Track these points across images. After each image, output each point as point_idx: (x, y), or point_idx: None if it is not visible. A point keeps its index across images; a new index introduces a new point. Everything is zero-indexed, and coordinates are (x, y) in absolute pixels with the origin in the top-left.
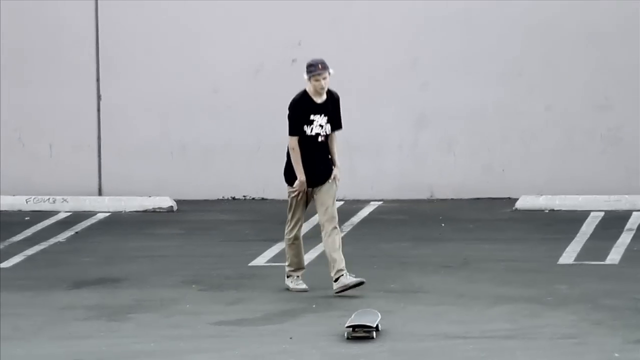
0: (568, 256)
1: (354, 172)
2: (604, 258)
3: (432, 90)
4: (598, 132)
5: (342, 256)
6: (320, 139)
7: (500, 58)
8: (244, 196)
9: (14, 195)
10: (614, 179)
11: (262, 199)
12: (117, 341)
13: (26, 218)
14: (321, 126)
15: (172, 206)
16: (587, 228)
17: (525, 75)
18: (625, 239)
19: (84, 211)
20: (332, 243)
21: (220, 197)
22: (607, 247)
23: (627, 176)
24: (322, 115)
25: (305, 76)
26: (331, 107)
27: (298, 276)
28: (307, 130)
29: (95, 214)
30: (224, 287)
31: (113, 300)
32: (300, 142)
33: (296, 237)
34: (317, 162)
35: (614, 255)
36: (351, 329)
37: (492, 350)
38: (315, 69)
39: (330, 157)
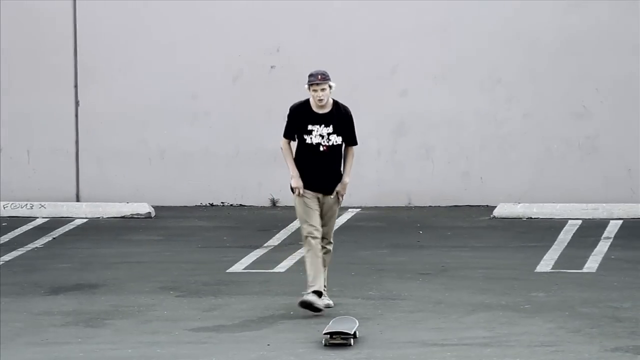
0: (546, 264)
1: None
2: (581, 266)
3: (411, 97)
4: (576, 140)
5: (322, 278)
6: (322, 148)
7: (479, 66)
8: (222, 202)
9: None
10: (592, 187)
11: (240, 205)
12: (94, 347)
13: (3, 224)
14: (322, 136)
15: (150, 212)
16: (565, 236)
17: (503, 83)
18: (602, 247)
19: (62, 217)
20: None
21: (199, 204)
22: (584, 255)
23: (605, 184)
24: (323, 125)
25: (306, 86)
26: (338, 121)
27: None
28: (307, 138)
29: (73, 220)
30: (201, 293)
31: (90, 306)
32: (301, 149)
33: (308, 243)
34: (320, 169)
35: (592, 264)
36: (329, 335)
37: (469, 358)
38: (314, 79)
39: (338, 168)
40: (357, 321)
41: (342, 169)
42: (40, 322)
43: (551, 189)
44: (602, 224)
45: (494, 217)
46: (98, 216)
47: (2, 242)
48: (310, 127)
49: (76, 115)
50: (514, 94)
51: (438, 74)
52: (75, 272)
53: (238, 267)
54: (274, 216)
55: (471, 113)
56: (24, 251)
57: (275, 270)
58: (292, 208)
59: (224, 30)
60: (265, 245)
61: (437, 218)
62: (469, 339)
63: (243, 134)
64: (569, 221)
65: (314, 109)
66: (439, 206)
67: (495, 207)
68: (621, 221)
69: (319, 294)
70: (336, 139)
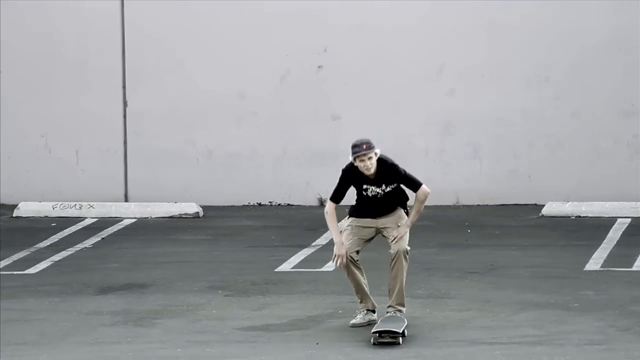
0: (595, 262)
1: None
2: (630, 264)
3: (458, 96)
4: (625, 138)
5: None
6: (379, 196)
7: (527, 64)
8: (269, 202)
9: (40, 202)
10: None
11: (288, 204)
12: (143, 347)
13: (53, 224)
14: (378, 193)
15: (198, 212)
16: (614, 234)
17: (551, 82)
18: None
19: (110, 217)
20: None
21: (246, 203)
22: (634, 254)
23: None
24: (376, 186)
25: (350, 157)
26: (388, 179)
27: (361, 310)
28: (364, 193)
29: (122, 220)
30: (250, 292)
31: (139, 305)
32: (360, 199)
33: (351, 261)
34: (379, 205)
35: None
36: (377, 334)
37: (518, 356)
38: (359, 149)
39: (395, 204)
40: (405, 320)
41: (403, 209)
42: (90, 322)
43: (600, 187)
44: None
45: (542, 215)
46: (146, 216)
47: (51, 242)
48: (365, 186)
49: (124, 116)
50: (561, 93)
51: (485, 72)
52: (124, 272)
53: (286, 266)
54: (321, 215)
55: (519, 112)
56: (73, 251)
57: (323, 269)
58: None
59: (272, 30)
60: (313, 244)
61: (485, 217)
62: (518, 337)
63: (290, 133)
64: (618, 219)
65: (364, 172)
66: (487, 205)
67: (544, 205)
68: None
69: (372, 311)
70: (391, 188)
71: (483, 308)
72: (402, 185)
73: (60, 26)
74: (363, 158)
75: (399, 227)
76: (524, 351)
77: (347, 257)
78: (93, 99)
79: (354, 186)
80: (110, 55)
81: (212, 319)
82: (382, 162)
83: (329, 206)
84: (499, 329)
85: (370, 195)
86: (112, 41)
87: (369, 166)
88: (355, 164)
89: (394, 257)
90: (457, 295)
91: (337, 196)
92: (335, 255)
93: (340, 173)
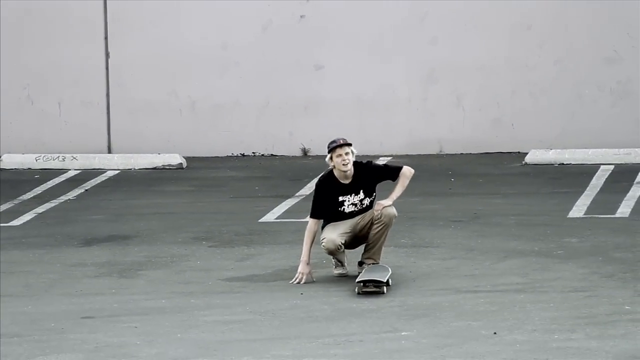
0: (578, 210)
1: (364, 128)
2: (614, 211)
3: (441, 45)
4: (608, 85)
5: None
6: (357, 211)
7: (510, 12)
8: (253, 153)
9: (23, 154)
10: (624, 132)
11: (272, 155)
12: (128, 298)
13: (36, 176)
14: (354, 204)
15: (181, 163)
16: (597, 181)
17: (534, 29)
18: (635, 192)
19: (94, 169)
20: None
21: (230, 154)
22: (617, 201)
23: (637, 129)
24: (353, 194)
25: (327, 157)
26: (365, 182)
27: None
28: (340, 209)
29: (105, 171)
30: (234, 243)
31: (123, 257)
32: (337, 218)
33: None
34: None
35: (624, 209)
36: (362, 284)
37: (502, 304)
38: (336, 143)
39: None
40: (390, 269)
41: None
42: (74, 274)
43: (583, 134)
44: (634, 168)
45: (526, 163)
46: (130, 167)
47: (35, 194)
48: (340, 198)
49: (107, 67)
50: (544, 40)
51: (468, 21)
52: (108, 224)
53: (270, 216)
54: (305, 165)
55: (502, 60)
56: (57, 203)
57: (307, 219)
58: (322, 157)
59: None
60: (296, 194)
61: (469, 165)
62: (502, 285)
63: (273, 84)
64: (601, 166)
65: (340, 179)
66: (470, 153)
67: (527, 153)
68: None
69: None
70: (369, 202)
71: (467, 256)
72: (370, 199)
73: None
74: (341, 152)
75: (382, 203)
76: (508, 299)
77: (307, 276)
78: (75, 50)
79: (330, 203)
80: (92, 5)
81: (196, 270)
82: (357, 163)
83: (310, 223)
84: (483, 277)
85: (347, 211)
86: None
87: (347, 161)
88: (332, 163)
89: (381, 220)
90: (441, 244)
91: (316, 211)
92: (298, 273)
93: (315, 189)
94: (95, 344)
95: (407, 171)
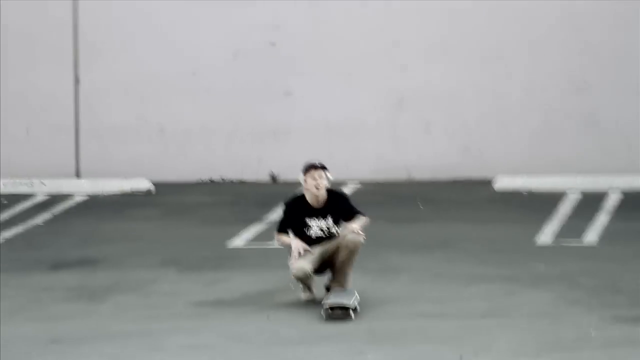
0: (546, 236)
1: (332, 154)
2: (581, 238)
3: (411, 72)
4: (575, 114)
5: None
6: (324, 237)
7: (479, 40)
8: (222, 178)
9: None
10: (591, 160)
11: (241, 181)
12: (95, 322)
13: (4, 201)
14: (322, 230)
15: (150, 188)
16: (565, 208)
17: (504, 58)
18: (602, 219)
19: (62, 193)
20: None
21: (199, 180)
22: (584, 227)
23: (604, 157)
24: (322, 219)
25: (301, 177)
26: (335, 209)
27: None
28: (307, 232)
29: (73, 196)
30: (202, 268)
31: (92, 281)
32: (301, 239)
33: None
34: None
35: (591, 235)
36: (329, 308)
37: (469, 329)
38: (312, 165)
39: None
40: (357, 294)
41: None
42: (42, 298)
43: (551, 161)
44: (601, 196)
45: (494, 190)
46: (98, 192)
47: (2, 219)
48: (308, 220)
49: (76, 92)
50: (514, 68)
51: (438, 49)
52: (76, 248)
53: (238, 241)
54: (273, 191)
55: (471, 87)
56: (25, 228)
57: (275, 244)
58: (291, 184)
59: (224, 7)
60: (265, 220)
61: (437, 192)
62: (468, 309)
63: (243, 110)
64: (569, 193)
65: (311, 203)
66: (438, 180)
67: (495, 180)
68: (621, 193)
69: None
70: (336, 230)
71: (434, 281)
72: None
73: (10, 2)
74: (315, 175)
75: (351, 227)
76: (474, 323)
77: (303, 248)
78: (44, 75)
79: (296, 224)
80: (62, 31)
81: (164, 295)
82: (332, 191)
83: (276, 236)
84: (450, 302)
85: (313, 236)
86: (63, 18)
87: (319, 185)
88: (306, 185)
89: (348, 247)
90: (408, 269)
91: (282, 227)
92: (294, 249)
93: (283, 208)
94: None
95: (366, 220)
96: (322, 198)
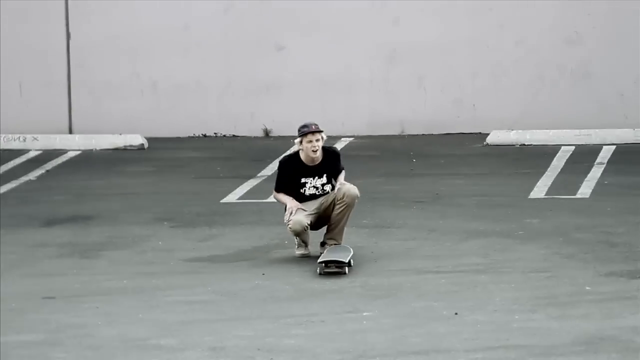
0: (539, 190)
1: (326, 109)
2: (574, 192)
3: (403, 26)
4: (568, 66)
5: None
6: (317, 194)
7: None
8: (215, 133)
9: None
10: (584, 113)
11: (234, 136)
12: (89, 278)
13: None
14: (316, 187)
15: (143, 144)
16: (558, 162)
17: (495, 10)
18: (595, 173)
19: (55, 149)
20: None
21: (192, 135)
22: (577, 181)
23: (597, 110)
24: (316, 177)
25: (297, 139)
26: (329, 168)
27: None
28: (302, 190)
29: (66, 152)
30: (195, 224)
31: (85, 237)
32: (297, 199)
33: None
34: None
35: (585, 189)
36: (323, 264)
37: (464, 285)
38: (307, 129)
39: None
40: (351, 250)
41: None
42: (36, 254)
43: (544, 115)
44: (595, 149)
45: (487, 144)
46: (91, 148)
47: None
48: (303, 179)
49: (68, 48)
50: (505, 21)
51: (429, 2)
52: (69, 204)
53: (232, 197)
54: (267, 146)
55: (463, 41)
56: (18, 184)
57: (269, 200)
58: (284, 138)
59: None
60: (258, 175)
61: (430, 146)
62: (463, 265)
63: (235, 64)
64: (562, 147)
65: (306, 162)
66: (431, 134)
67: (488, 134)
68: (614, 147)
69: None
70: (329, 188)
71: (428, 237)
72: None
73: None
74: (312, 139)
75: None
76: (469, 279)
77: (298, 209)
78: (35, 31)
79: (291, 182)
80: None
81: (158, 251)
82: (327, 149)
83: (275, 194)
84: (445, 258)
85: (307, 194)
86: None
87: (317, 147)
88: (301, 147)
89: (343, 200)
90: (402, 224)
91: (280, 185)
92: (289, 208)
93: (278, 167)
94: (56, 324)
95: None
96: (318, 158)
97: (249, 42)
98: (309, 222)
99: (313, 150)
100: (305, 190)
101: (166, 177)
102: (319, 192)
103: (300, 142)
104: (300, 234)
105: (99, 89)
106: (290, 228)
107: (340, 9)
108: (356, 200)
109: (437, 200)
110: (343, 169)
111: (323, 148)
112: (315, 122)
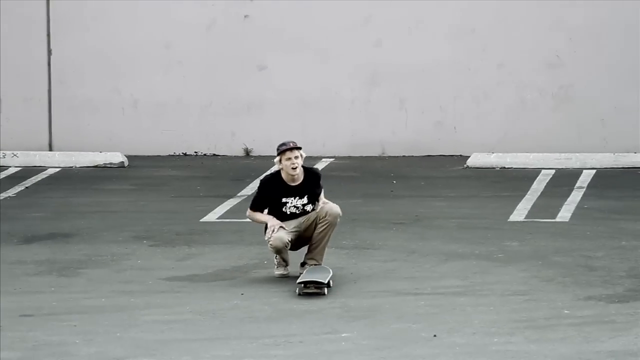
0: (519, 213)
1: (306, 129)
2: (554, 215)
3: (385, 47)
4: (550, 90)
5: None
6: (298, 213)
7: (453, 15)
8: (195, 152)
9: None
10: (565, 137)
11: (214, 155)
12: (67, 296)
13: None
14: (296, 207)
15: (123, 162)
16: (538, 186)
17: (477, 33)
18: (575, 196)
19: (34, 166)
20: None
21: (172, 153)
22: (557, 205)
23: (578, 134)
24: (297, 197)
25: (276, 158)
26: (311, 189)
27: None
28: (283, 209)
29: (46, 169)
30: (175, 242)
31: (64, 255)
32: (278, 218)
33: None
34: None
35: (565, 213)
36: (303, 284)
37: (443, 307)
38: (285, 146)
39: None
40: (331, 270)
41: None
42: (14, 271)
43: (525, 138)
44: (575, 173)
45: (468, 166)
46: (71, 165)
47: None
48: (284, 199)
49: (49, 64)
50: (487, 44)
51: (412, 23)
52: (48, 222)
53: (211, 216)
54: (247, 166)
55: (445, 63)
56: None
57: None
58: (265, 158)
59: None
60: (238, 194)
61: (411, 168)
62: (442, 287)
63: (216, 83)
64: (542, 171)
65: (287, 181)
66: (412, 156)
67: (469, 157)
68: (594, 171)
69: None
70: (310, 208)
71: (408, 259)
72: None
73: None
74: (290, 156)
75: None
76: (448, 301)
77: (278, 227)
78: (17, 47)
79: (272, 203)
80: (34, 3)
81: (136, 269)
82: (308, 170)
83: (249, 213)
84: (424, 280)
85: (288, 212)
86: None
87: (296, 165)
88: (280, 166)
89: (326, 219)
90: (382, 245)
91: (256, 205)
92: (271, 226)
93: (259, 186)
94: (33, 342)
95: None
96: (298, 177)
97: (231, 60)
98: (289, 239)
99: (292, 168)
100: (286, 209)
101: (146, 196)
102: (299, 211)
103: (280, 160)
104: (280, 251)
105: (79, 106)
106: (270, 244)
107: (323, 29)
108: (338, 219)
109: (417, 222)
110: (321, 189)
111: (304, 168)
112: (293, 140)
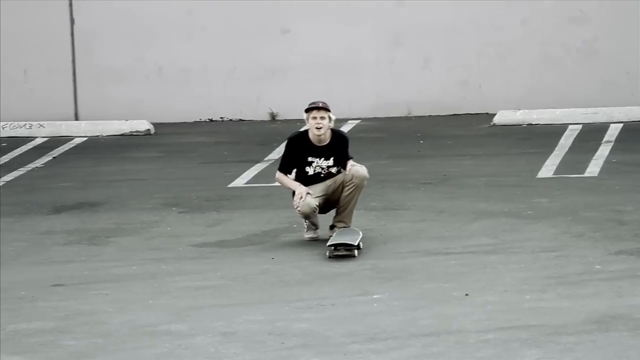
0: (547, 170)
1: (331, 91)
2: (583, 171)
3: (408, 7)
4: (574, 45)
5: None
6: (322, 175)
7: None
8: (221, 118)
9: None
10: (591, 91)
11: (240, 120)
12: (98, 265)
13: (3, 144)
14: (322, 168)
15: (149, 129)
16: (566, 141)
17: None
18: (603, 151)
19: (61, 136)
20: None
21: (198, 120)
22: (585, 160)
23: (604, 88)
24: (323, 159)
25: (305, 115)
26: (338, 151)
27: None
28: (308, 170)
29: (73, 138)
30: (204, 209)
31: (93, 224)
32: (300, 177)
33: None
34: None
35: (593, 168)
36: (333, 247)
37: (473, 266)
38: (314, 104)
39: None
40: (360, 232)
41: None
42: (44, 241)
43: (550, 94)
44: (602, 127)
45: (494, 124)
46: (97, 134)
47: (2, 162)
48: (310, 158)
49: (72, 34)
50: (510, 0)
51: None
52: (77, 191)
53: (239, 181)
54: (273, 130)
55: (468, 21)
56: (25, 171)
57: (277, 184)
58: (291, 121)
59: None
60: (265, 159)
61: (437, 127)
62: (472, 246)
63: (240, 48)
64: (569, 126)
65: (314, 141)
66: (438, 115)
67: (495, 114)
68: (621, 124)
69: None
70: (335, 170)
71: (437, 218)
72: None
73: None
74: (316, 115)
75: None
76: (478, 260)
77: (307, 194)
78: (39, 17)
79: (298, 161)
80: None
81: (166, 236)
82: (337, 132)
83: (278, 175)
84: (454, 239)
85: (312, 173)
86: None
87: (320, 125)
88: (307, 124)
89: (352, 182)
90: (411, 206)
91: (285, 166)
92: (299, 194)
93: (285, 144)
94: (66, 312)
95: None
96: (324, 137)
97: (254, 25)
98: (317, 204)
99: (317, 127)
100: (310, 169)
101: (173, 163)
102: (323, 172)
103: (307, 119)
104: (309, 216)
105: (104, 75)
106: (299, 210)
107: None
108: (365, 182)
109: (445, 181)
110: (351, 158)
111: (333, 131)
112: (324, 101)
